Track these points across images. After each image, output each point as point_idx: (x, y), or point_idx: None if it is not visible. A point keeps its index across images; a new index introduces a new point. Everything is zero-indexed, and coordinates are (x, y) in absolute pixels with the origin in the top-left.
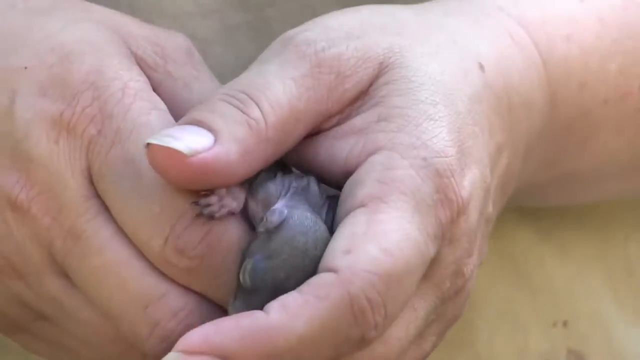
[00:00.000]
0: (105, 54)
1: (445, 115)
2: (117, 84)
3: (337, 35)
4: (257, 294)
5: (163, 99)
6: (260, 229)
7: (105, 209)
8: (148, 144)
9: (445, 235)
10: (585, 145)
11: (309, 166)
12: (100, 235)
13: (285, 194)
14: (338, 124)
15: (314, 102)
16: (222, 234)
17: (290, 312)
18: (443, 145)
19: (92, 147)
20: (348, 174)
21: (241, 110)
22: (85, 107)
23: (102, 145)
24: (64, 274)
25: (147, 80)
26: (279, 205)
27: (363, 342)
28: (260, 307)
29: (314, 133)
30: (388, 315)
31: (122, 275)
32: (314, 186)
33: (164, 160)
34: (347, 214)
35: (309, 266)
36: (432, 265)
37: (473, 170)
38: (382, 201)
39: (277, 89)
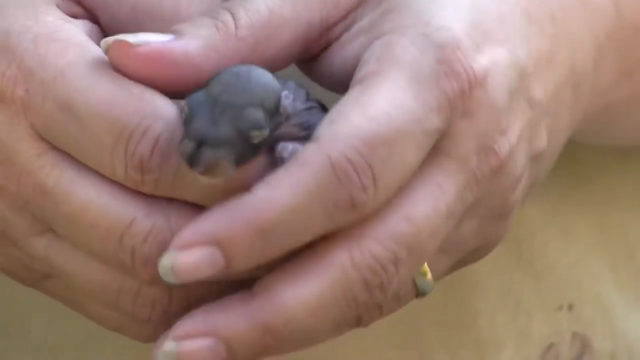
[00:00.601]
0: (8, 12)
1: None
2: (27, 37)
3: None
4: (198, 117)
5: (89, 3)
6: None
7: (62, 157)
8: (106, 44)
9: (455, 107)
10: None
11: (328, 79)
12: (62, 184)
13: None
14: (346, 30)
15: (302, 10)
16: (170, 137)
17: (273, 184)
18: (447, 21)
19: (27, 107)
20: None
21: (213, 17)
22: (4, 71)
23: (35, 102)
24: (50, 231)
25: (57, 13)
26: None
27: (354, 207)
28: (202, 131)
29: (327, 46)
30: (378, 179)
31: (91, 215)
32: (290, 83)
33: (115, 53)
34: None
35: (245, 85)
36: (447, 139)
37: (495, 49)
38: (377, 74)
39: (259, 1)
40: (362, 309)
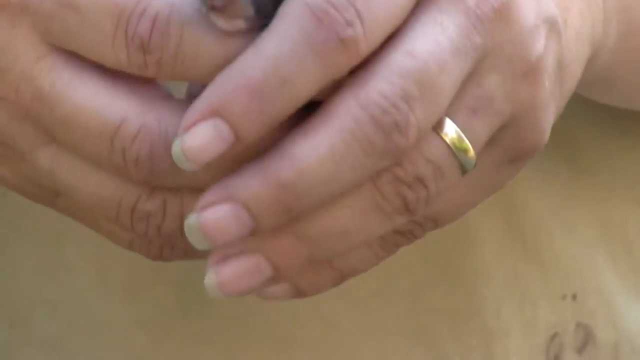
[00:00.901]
0: None
1: None
2: None
3: None
4: None
5: None
6: None
7: (62, 59)
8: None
9: None
10: None
11: None
12: (57, 88)
13: None
14: None
15: None
16: (168, 16)
17: (258, 43)
18: None
19: (25, 8)
20: None
21: None
22: None
23: (33, 4)
24: (53, 142)
25: None
26: None
27: (344, 44)
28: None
29: None
30: (364, 15)
31: (84, 118)
32: None
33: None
34: None
35: None
36: None
37: None
38: None
39: None
40: (392, 170)
